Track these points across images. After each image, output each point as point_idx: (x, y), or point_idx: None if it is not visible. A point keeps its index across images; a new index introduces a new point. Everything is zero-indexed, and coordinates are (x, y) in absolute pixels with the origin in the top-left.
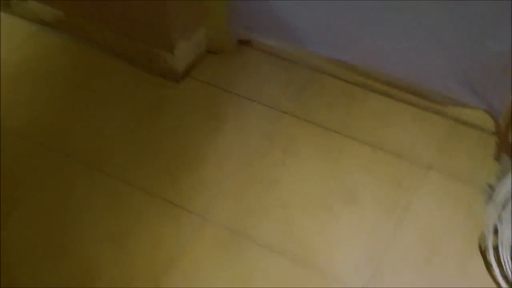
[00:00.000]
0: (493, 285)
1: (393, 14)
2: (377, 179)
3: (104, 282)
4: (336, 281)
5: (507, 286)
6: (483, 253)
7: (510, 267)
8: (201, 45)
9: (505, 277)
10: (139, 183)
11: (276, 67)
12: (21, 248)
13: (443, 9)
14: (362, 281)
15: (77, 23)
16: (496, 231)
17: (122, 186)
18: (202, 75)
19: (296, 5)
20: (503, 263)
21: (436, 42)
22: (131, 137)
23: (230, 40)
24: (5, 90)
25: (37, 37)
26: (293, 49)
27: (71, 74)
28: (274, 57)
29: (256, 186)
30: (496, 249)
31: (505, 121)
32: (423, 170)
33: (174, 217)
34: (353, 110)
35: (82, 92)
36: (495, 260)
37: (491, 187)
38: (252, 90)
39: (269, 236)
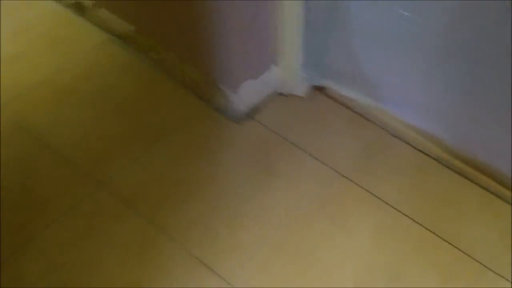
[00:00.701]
0: None
1: (488, 91)
2: (429, 266)
3: None
4: None
5: None
6: None
7: None
8: (270, 85)
9: None
10: (170, 230)
11: (347, 122)
12: (37, 277)
13: None
14: None
15: (146, 41)
16: None
17: (151, 230)
18: (266, 119)
19: (380, 57)
20: None
21: None
22: (173, 176)
23: (302, 84)
24: (60, 100)
25: (105, 47)
26: (369, 105)
27: (130, 93)
28: (347, 109)
29: (294, 259)
30: None
31: None
32: (482, 269)
33: (198, 276)
34: (420, 186)
35: (136, 116)
36: None
37: None
38: (315, 144)
39: None
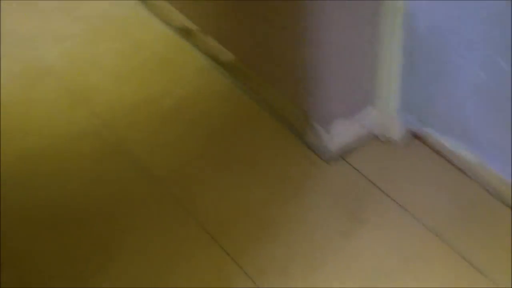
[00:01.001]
0: None
1: None
2: None
3: None
4: None
5: None
6: None
7: None
8: (364, 127)
9: None
10: (247, 268)
11: (443, 174)
12: None
13: None
14: None
15: (245, 72)
16: None
17: (230, 266)
18: (358, 162)
19: (484, 110)
20: None
21: None
22: (258, 212)
23: (399, 129)
24: (160, 122)
25: (207, 73)
26: (469, 159)
27: (225, 121)
28: (445, 161)
29: None
30: None
31: None
32: None
33: None
34: None
35: (229, 144)
36: None
37: None
38: (407, 195)
39: None
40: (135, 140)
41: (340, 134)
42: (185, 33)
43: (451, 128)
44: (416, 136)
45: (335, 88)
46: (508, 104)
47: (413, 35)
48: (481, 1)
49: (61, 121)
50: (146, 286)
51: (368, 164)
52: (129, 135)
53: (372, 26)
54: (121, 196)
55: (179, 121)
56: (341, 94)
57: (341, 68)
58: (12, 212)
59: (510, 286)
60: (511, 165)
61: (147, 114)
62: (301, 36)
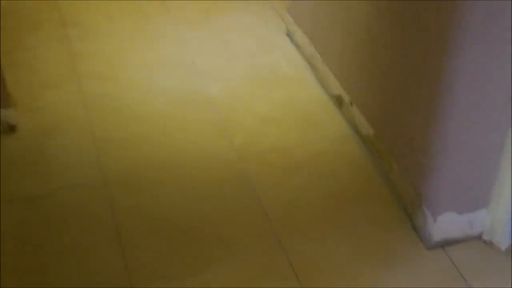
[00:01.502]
0: None
1: None
2: None
3: None
4: None
5: None
6: None
7: None
8: (472, 226)
9: None
10: None
11: None
12: None
13: None
14: None
15: (377, 146)
16: None
17: None
18: (457, 257)
19: None
20: None
21: None
22: (347, 269)
23: (506, 236)
24: (289, 170)
25: (346, 141)
26: None
27: (344, 185)
28: None
29: None
30: None
31: None
32: None
33: None
34: None
35: (340, 207)
36: None
37: None
38: None
39: None
40: (260, 178)
41: (446, 226)
42: (336, 100)
43: None
44: None
45: (453, 181)
46: None
47: None
48: None
49: (202, 144)
50: None
51: (467, 262)
52: (257, 173)
53: (500, 135)
54: (231, 222)
55: (304, 173)
56: (457, 189)
57: (463, 166)
58: (137, 214)
59: (510, 286)
60: None
61: (278, 159)
62: (433, 125)
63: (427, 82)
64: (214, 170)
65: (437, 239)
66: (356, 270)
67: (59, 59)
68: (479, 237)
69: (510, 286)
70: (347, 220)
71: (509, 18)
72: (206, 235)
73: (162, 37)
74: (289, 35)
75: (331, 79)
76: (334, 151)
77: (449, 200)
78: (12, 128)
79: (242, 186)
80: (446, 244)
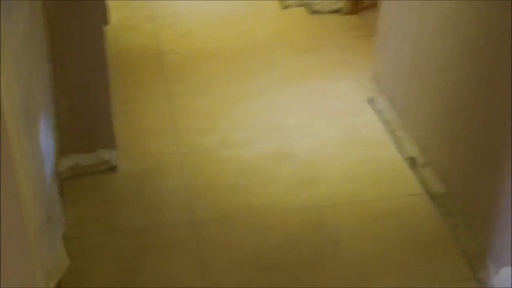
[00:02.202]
0: None
1: None
2: None
3: None
4: None
5: None
6: None
7: None
8: None
9: None
10: None
11: None
12: None
13: None
14: None
15: (447, 205)
16: None
17: None
18: None
19: None
20: None
21: None
22: None
23: None
24: (361, 219)
25: (416, 200)
26: None
27: (413, 240)
28: None
29: None
30: None
31: None
32: None
33: None
34: None
35: (409, 259)
36: None
37: None
38: None
39: None
40: (337, 228)
41: (507, 278)
42: (410, 162)
43: None
44: None
45: None
46: None
47: None
48: None
49: (285, 194)
50: None
51: None
52: (334, 223)
53: None
54: (309, 265)
55: (377, 226)
56: None
57: None
58: (219, 250)
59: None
60: None
61: (354, 212)
62: (500, 187)
63: (496, 148)
64: (295, 217)
65: None
66: None
67: (160, 112)
68: None
69: None
70: (415, 270)
71: None
72: (286, 276)
73: (254, 97)
74: (371, 101)
75: (407, 143)
76: (406, 207)
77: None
78: (113, 168)
79: (322, 232)
80: None
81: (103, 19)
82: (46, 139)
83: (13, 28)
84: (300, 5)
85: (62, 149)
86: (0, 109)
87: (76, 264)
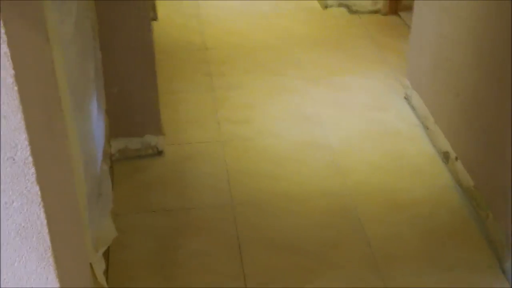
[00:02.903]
0: None
1: None
2: None
3: None
4: None
5: None
6: None
7: None
8: None
9: None
10: None
11: None
12: None
13: None
14: None
15: (477, 198)
16: None
17: None
18: None
19: None
20: None
21: None
22: None
23: None
24: (395, 211)
25: (447, 191)
26: None
27: (439, 229)
28: None
29: None
30: None
31: None
32: None
33: None
34: None
35: (433, 247)
36: None
37: None
38: None
39: None
40: (367, 213)
41: None
42: (444, 156)
43: None
44: None
45: None
46: None
47: None
48: None
49: (317, 182)
50: None
51: None
52: (364, 209)
53: None
54: (337, 248)
55: (406, 213)
56: None
57: None
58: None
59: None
60: None
61: (384, 199)
62: None
63: None
64: (326, 203)
65: None
66: None
67: (202, 103)
68: None
69: None
70: (441, 258)
71: None
72: (313, 256)
73: (291, 91)
74: (406, 98)
75: (441, 138)
76: (435, 198)
77: None
78: (160, 153)
79: (350, 218)
80: None
81: (151, 15)
82: (98, 122)
83: (66, 16)
84: (340, 5)
85: (112, 133)
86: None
87: (121, 238)
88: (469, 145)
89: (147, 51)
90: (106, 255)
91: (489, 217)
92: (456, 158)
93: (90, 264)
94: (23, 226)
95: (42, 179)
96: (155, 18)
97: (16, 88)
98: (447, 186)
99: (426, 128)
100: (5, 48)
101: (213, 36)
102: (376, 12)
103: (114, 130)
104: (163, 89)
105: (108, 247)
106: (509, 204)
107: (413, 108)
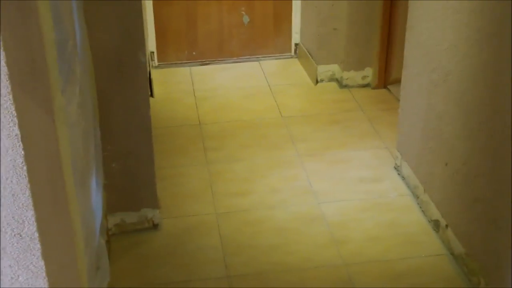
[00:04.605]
0: None
1: None
2: None
3: None
4: None
5: None
6: None
7: None
8: None
9: None
10: None
11: None
12: None
13: None
14: None
15: (469, 264)
16: None
17: None
18: None
19: None
20: None
21: None
22: None
23: None
24: (384, 279)
25: (438, 260)
26: None
27: None
28: None
29: None
30: None
31: None
32: None
33: None
34: None
35: None
36: None
37: None
38: None
39: None
40: (361, 283)
41: None
42: (434, 224)
43: None
44: None
45: None
46: None
47: None
48: None
49: (312, 252)
50: None
51: None
52: (360, 280)
53: None
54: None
55: (402, 283)
56: None
57: None
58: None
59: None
60: None
61: (380, 269)
62: None
63: None
64: (323, 273)
65: None
66: None
67: (199, 177)
68: None
69: None
70: None
71: None
72: None
73: (286, 164)
74: (396, 168)
75: (431, 206)
76: (429, 267)
77: None
78: (155, 226)
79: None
80: None
81: (148, 92)
82: (96, 197)
83: (70, 97)
84: (331, 80)
85: (109, 207)
86: (62, 168)
87: None
88: (459, 212)
89: (145, 127)
90: None
91: (481, 283)
92: (447, 226)
93: None
94: None
95: (46, 254)
96: (151, 95)
97: (25, 167)
98: (439, 255)
99: (416, 197)
100: (16, 130)
101: (209, 111)
102: (365, 86)
103: (111, 204)
104: (161, 163)
105: None
106: (501, 271)
107: (403, 178)
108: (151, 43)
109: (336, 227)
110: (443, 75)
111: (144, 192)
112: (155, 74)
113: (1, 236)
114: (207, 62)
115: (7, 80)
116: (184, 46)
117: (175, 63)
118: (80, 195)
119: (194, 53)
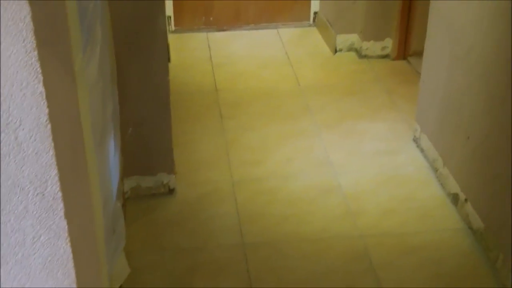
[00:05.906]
0: None
1: None
2: None
3: None
4: None
5: None
6: None
7: None
8: None
9: None
10: None
11: None
12: None
13: None
14: None
15: (487, 240)
16: None
17: None
18: None
19: None
20: None
21: None
22: None
23: None
24: (400, 252)
25: (457, 234)
26: None
27: (450, 273)
28: None
29: None
30: None
31: None
32: None
33: None
34: None
35: None
36: None
37: None
38: None
39: None
40: (378, 256)
41: None
42: (453, 198)
43: None
44: None
45: None
46: None
47: None
48: None
49: (328, 223)
50: None
51: None
52: (375, 252)
53: None
54: None
55: (416, 257)
56: None
57: None
58: (267, 270)
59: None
60: None
61: (394, 242)
62: None
63: None
64: (337, 244)
65: None
66: None
67: (214, 144)
68: None
69: None
70: None
71: None
72: None
73: (302, 134)
74: (415, 140)
75: (450, 180)
76: (446, 241)
77: None
78: (171, 191)
79: (361, 261)
80: None
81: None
82: (113, 160)
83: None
84: (350, 50)
85: (125, 171)
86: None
87: (134, 276)
88: (479, 187)
89: (163, 94)
90: None
91: (499, 260)
92: (466, 200)
93: None
94: (49, 261)
95: (68, 214)
96: (168, 60)
97: (49, 126)
98: (456, 229)
99: (435, 170)
100: (40, 88)
101: (225, 79)
102: (385, 56)
103: (127, 168)
104: (177, 129)
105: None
106: None
107: (422, 151)
108: (168, 8)
109: (352, 199)
110: (466, 48)
111: (161, 157)
112: (172, 39)
113: (24, 195)
114: (224, 28)
115: (32, 36)
116: (201, 12)
117: (192, 29)
118: (99, 156)
119: (211, 18)
